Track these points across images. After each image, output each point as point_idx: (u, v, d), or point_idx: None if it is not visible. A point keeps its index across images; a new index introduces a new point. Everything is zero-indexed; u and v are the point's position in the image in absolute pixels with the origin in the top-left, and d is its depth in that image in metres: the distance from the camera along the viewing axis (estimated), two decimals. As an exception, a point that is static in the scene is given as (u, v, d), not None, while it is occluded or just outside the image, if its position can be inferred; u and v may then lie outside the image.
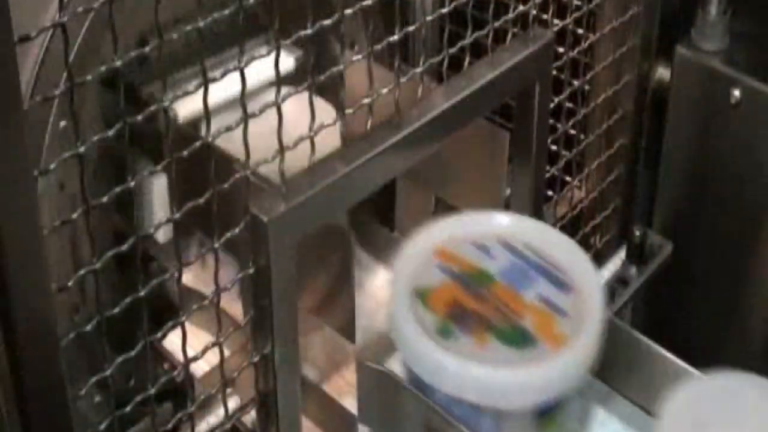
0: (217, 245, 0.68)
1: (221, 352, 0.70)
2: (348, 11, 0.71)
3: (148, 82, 0.82)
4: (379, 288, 1.00)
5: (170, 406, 0.78)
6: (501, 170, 0.89)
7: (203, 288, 0.86)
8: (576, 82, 1.02)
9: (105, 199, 0.59)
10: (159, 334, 0.68)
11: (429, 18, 0.84)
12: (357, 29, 0.98)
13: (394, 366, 0.85)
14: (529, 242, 0.86)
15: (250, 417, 0.78)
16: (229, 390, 0.75)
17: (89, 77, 0.56)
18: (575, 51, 1.01)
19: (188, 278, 0.87)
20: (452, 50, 0.81)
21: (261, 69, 0.67)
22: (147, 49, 0.59)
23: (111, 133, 0.59)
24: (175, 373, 0.70)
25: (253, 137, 0.67)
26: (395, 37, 0.75)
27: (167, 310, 0.72)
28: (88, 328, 0.60)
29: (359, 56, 0.74)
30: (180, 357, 0.69)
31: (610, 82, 1.09)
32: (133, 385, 0.85)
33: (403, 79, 0.76)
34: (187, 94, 0.64)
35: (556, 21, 0.98)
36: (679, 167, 1.16)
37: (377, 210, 1.01)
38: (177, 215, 0.64)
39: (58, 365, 0.56)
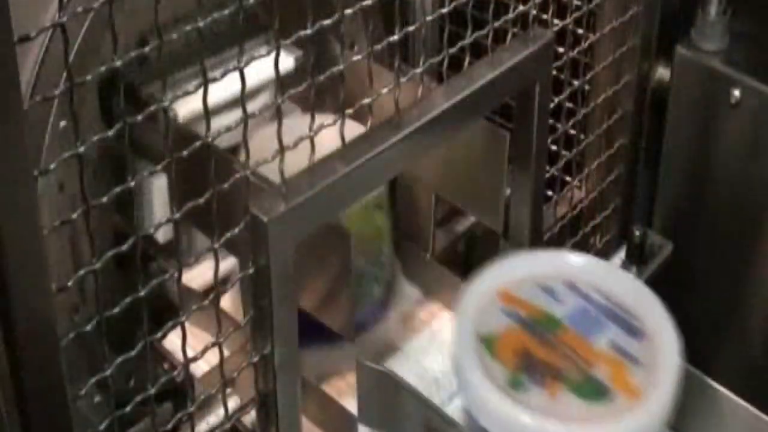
0: (217, 245, 0.68)
1: (221, 352, 0.70)
2: (348, 11, 0.71)
3: (148, 82, 0.82)
4: (409, 310, 1.00)
5: (170, 406, 0.78)
6: (501, 170, 0.89)
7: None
8: (576, 82, 1.02)
9: (105, 199, 0.59)
10: (159, 334, 0.68)
11: (429, 18, 0.84)
12: (357, 29, 0.98)
13: (454, 413, 0.83)
14: (596, 284, 0.82)
15: (250, 417, 0.78)
16: (229, 390, 0.75)
17: (89, 77, 0.56)
18: (575, 51, 1.01)
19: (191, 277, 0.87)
20: (452, 50, 0.81)
21: (261, 69, 0.67)
22: (147, 49, 0.59)
23: (111, 133, 0.59)
24: (175, 373, 0.70)
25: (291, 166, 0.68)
26: (395, 37, 0.75)
27: (167, 310, 0.72)
28: (88, 328, 0.60)
29: (359, 56, 0.74)
30: (180, 357, 0.69)
31: (610, 82, 1.09)
32: (133, 385, 0.85)
33: (403, 79, 0.76)
34: (187, 94, 0.64)
35: (556, 21, 0.98)
36: (679, 167, 1.16)
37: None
38: (177, 215, 0.64)
39: (58, 365, 0.56)
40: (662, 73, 1.12)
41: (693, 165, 1.15)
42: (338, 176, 0.72)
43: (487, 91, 0.82)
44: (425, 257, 1.00)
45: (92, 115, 0.83)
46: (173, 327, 0.68)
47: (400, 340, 0.96)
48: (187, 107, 0.78)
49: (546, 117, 0.92)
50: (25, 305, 0.53)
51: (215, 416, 0.77)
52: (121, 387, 0.67)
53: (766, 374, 0.85)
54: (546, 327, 0.79)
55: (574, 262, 0.84)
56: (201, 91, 0.63)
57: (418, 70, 0.78)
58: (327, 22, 0.69)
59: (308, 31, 0.68)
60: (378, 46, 0.75)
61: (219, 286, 0.70)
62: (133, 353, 0.65)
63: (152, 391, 0.67)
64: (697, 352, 1.08)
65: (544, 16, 0.97)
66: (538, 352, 0.77)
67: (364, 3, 0.73)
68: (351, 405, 0.84)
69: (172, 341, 0.74)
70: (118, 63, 0.57)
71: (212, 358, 0.72)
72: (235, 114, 0.67)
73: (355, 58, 0.74)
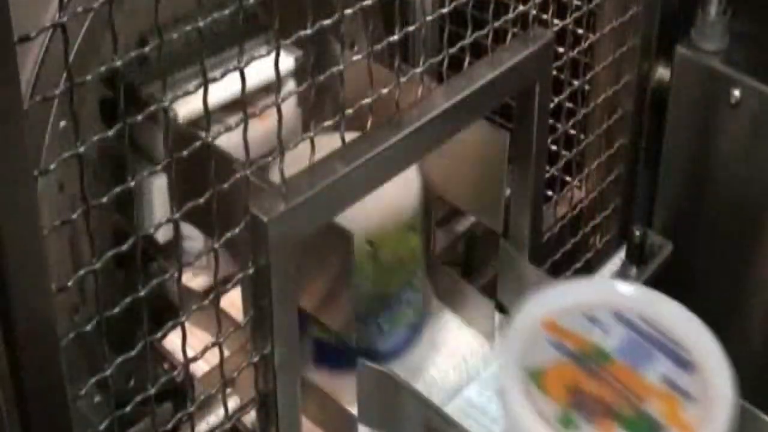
0: (217, 245, 0.68)
1: (221, 352, 0.70)
2: (348, 11, 0.71)
3: (148, 82, 0.82)
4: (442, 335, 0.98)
5: (170, 406, 0.78)
6: (501, 170, 0.89)
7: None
8: (576, 82, 1.02)
9: (105, 199, 0.59)
10: (159, 334, 0.68)
11: (429, 18, 0.84)
12: (357, 29, 0.98)
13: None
14: (643, 313, 0.79)
15: (250, 417, 0.78)
16: (229, 390, 0.75)
17: (89, 77, 0.56)
18: (575, 51, 1.01)
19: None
20: (452, 50, 0.81)
21: (261, 69, 0.67)
22: (147, 49, 0.59)
23: (111, 133, 0.59)
24: (175, 373, 0.70)
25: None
26: (395, 37, 0.75)
27: (167, 310, 0.72)
28: (88, 328, 0.60)
29: (359, 56, 0.74)
30: (180, 357, 0.69)
31: (610, 82, 1.09)
32: (133, 385, 0.85)
33: (403, 79, 0.76)
34: (187, 93, 0.64)
35: (556, 21, 0.98)
36: (679, 167, 1.16)
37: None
38: (177, 215, 0.64)
39: (58, 365, 0.56)
40: (662, 73, 1.12)
41: (693, 165, 1.15)
42: (338, 176, 0.72)
43: (487, 91, 0.82)
44: (459, 280, 0.98)
45: (92, 115, 0.83)
46: (173, 327, 0.68)
47: (433, 366, 0.94)
48: (187, 107, 0.78)
49: (546, 117, 0.92)
50: (25, 305, 0.53)
51: (215, 416, 0.77)
52: (121, 387, 0.67)
53: (766, 374, 0.85)
54: (595, 360, 0.76)
55: (619, 290, 0.81)
56: (201, 91, 0.63)
57: (418, 70, 0.78)
58: (327, 22, 0.69)
59: (308, 31, 0.68)
60: (378, 46, 0.75)
61: (219, 286, 0.70)
62: (133, 353, 0.65)
63: (152, 391, 0.67)
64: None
65: (544, 16, 0.97)
66: (588, 387, 0.74)
67: (364, 3, 0.73)
68: (351, 405, 0.84)
69: (172, 341, 0.74)
70: (118, 63, 0.57)
71: (212, 358, 0.72)
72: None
73: (355, 58, 0.74)
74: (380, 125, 0.76)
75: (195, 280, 0.87)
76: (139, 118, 0.60)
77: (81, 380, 0.62)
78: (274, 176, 0.70)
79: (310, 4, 0.66)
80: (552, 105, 0.95)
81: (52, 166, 0.55)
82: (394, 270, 0.90)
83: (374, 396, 0.83)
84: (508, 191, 0.92)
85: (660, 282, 1.14)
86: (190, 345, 0.68)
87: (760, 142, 1.08)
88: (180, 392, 0.76)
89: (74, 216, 0.57)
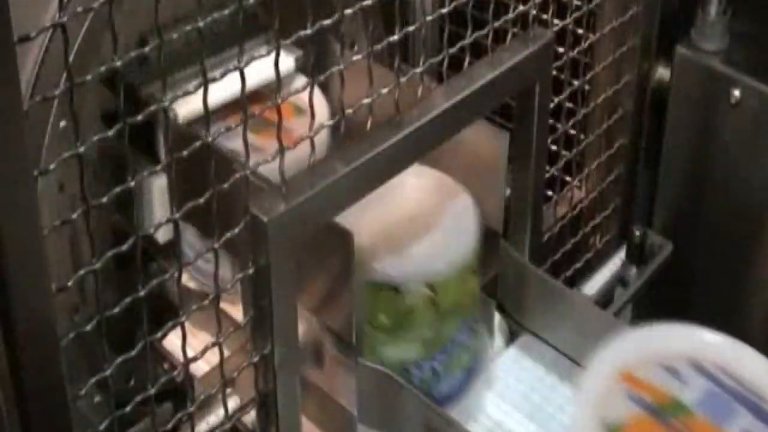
0: (217, 245, 0.68)
1: (221, 352, 0.70)
2: (348, 11, 0.71)
3: (148, 82, 0.82)
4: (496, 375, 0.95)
5: (170, 406, 0.78)
6: (501, 170, 0.89)
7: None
8: (576, 82, 1.02)
9: (105, 199, 0.59)
10: (159, 334, 0.68)
11: (429, 18, 0.84)
12: (357, 29, 0.98)
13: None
14: (723, 364, 0.77)
15: (250, 417, 0.78)
16: (229, 390, 0.75)
17: (89, 77, 0.56)
18: (575, 51, 1.01)
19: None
20: (452, 50, 0.81)
21: (261, 69, 0.67)
22: (147, 49, 0.59)
23: (111, 133, 0.59)
24: (175, 373, 0.70)
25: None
26: (395, 37, 0.75)
27: (167, 310, 0.72)
28: (88, 328, 0.60)
29: (359, 56, 0.74)
30: (180, 357, 0.69)
31: (610, 82, 1.09)
32: (133, 385, 0.85)
33: (403, 79, 0.76)
34: (187, 94, 0.64)
35: (556, 21, 0.98)
36: (679, 167, 1.16)
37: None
38: (177, 215, 0.64)
39: (58, 365, 0.56)
40: (662, 73, 1.12)
41: (693, 165, 1.15)
42: (338, 176, 0.72)
43: (487, 91, 0.82)
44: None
45: (92, 115, 0.83)
46: (173, 327, 0.68)
47: (488, 408, 0.93)
48: (187, 107, 0.78)
49: (546, 117, 0.92)
50: (25, 305, 0.53)
51: (215, 416, 0.77)
52: (121, 387, 0.67)
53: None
54: (674, 414, 0.74)
55: (697, 338, 0.79)
56: (201, 91, 0.63)
57: (418, 70, 0.78)
58: (327, 22, 0.69)
59: (308, 31, 0.68)
60: (378, 46, 0.75)
61: (219, 286, 0.70)
62: (133, 353, 0.65)
63: (152, 391, 0.67)
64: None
65: (544, 16, 0.97)
66: None
67: (364, 3, 0.73)
68: (351, 405, 0.84)
69: (172, 341, 0.74)
70: (118, 63, 0.57)
71: (212, 358, 0.72)
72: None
73: (355, 58, 0.74)
74: (380, 125, 0.76)
75: (194, 280, 0.87)
76: (139, 117, 0.60)
77: (81, 380, 0.62)
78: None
79: (310, 4, 0.66)
80: (552, 105, 0.95)
81: (52, 166, 0.55)
82: (452, 314, 0.87)
83: (374, 396, 0.83)
84: (508, 191, 0.92)
85: (660, 282, 1.14)
86: (190, 345, 0.68)
87: (760, 142, 1.08)
88: (180, 392, 0.76)
89: (74, 216, 0.57)
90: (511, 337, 0.98)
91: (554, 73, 0.92)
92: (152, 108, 0.62)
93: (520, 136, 0.90)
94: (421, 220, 0.87)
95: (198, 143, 0.64)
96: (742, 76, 1.06)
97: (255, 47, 0.85)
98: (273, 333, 0.70)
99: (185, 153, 0.64)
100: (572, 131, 1.05)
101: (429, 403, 0.82)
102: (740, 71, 1.07)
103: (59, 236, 0.81)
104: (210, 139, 0.65)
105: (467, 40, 0.82)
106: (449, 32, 0.81)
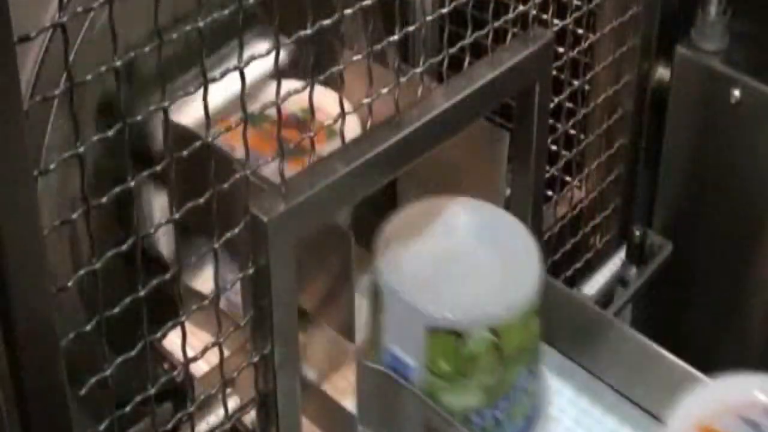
0: (217, 245, 0.68)
1: (221, 352, 0.70)
2: (348, 11, 0.71)
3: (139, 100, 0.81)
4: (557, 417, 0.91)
5: (170, 406, 0.78)
6: (501, 170, 0.89)
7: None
8: (576, 82, 1.02)
9: (105, 199, 0.59)
10: (159, 334, 0.68)
11: (429, 18, 0.84)
12: (357, 29, 0.98)
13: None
14: None
15: (250, 417, 0.78)
16: (229, 390, 0.75)
17: (89, 77, 0.56)
18: (575, 51, 1.01)
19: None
20: (452, 50, 0.81)
21: (256, 64, 0.67)
22: (147, 49, 0.59)
23: (111, 133, 0.59)
24: (175, 373, 0.70)
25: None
26: (395, 37, 0.75)
27: (167, 310, 0.72)
28: (88, 328, 0.60)
29: (359, 56, 0.74)
30: (180, 357, 0.68)
31: (610, 82, 1.09)
32: (133, 385, 0.85)
33: (403, 79, 0.76)
34: (187, 94, 0.64)
35: (556, 21, 0.98)
36: (679, 167, 1.16)
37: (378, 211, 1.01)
38: (177, 215, 0.64)
39: (58, 365, 0.56)
40: (662, 73, 1.12)
41: (693, 165, 1.15)
42: (338, 176, 0.72)
43: (487, 91, 0.82)
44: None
45: (92, 115, 0.83)
46: (173, 327, 0.68)
47: None
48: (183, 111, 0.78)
49: (546, 117, 0.91)
50: (25, 305, 0.53)
51: (215, 416, 0.77)
52: (121, 387, 0.67)
53: (767, 374, 0.85)
54: None
55: None
56: (200, 95, 0.63)
57: (418, 70, 0.78)
58: (327, 22, 0.69)
59: (308, 31, 0.68)
60: (378, 46, 0.75)
61: (219, 286, 0.70)
62: (133, 353, 0.65)
63: (152, 391, 0.67)
64: (698, 351, 1.09)
65: (544, 16, 0.97)
66: None
67: (364, 3, 0.73)
68: (351, 405, 0.84)
69: (172, 341, 0.74)
70: (118, 63, 0.57)
71: (212, 358, 0.72)
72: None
73: (355, 58, 0.74)
74: (380, 125, 0.76)
75: (194, 280, 0.87)
76: (139, 118, 0.60)
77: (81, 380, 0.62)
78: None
79: (310, 4, 0.66)
80: (552, 105, 0.95)
81: (52, 166, 0.55)
82: (515, 359, 0.84)
83: (374, 396, 0.83)
84: (508, 191, 0.92)
85: (660, 282, 1.14)
86: (190, 345, 0.68)
87: (760, 142, 1.08)
88: (180, 392, 0.76)
89: (74, 216, 0.57)
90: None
91: (554, 73, 0.92)
92: (152, 108, 0.62)
93: (520, 136, 0.90)
94: (480, 259, 0.85)
95: (198, 143, 0.64)
96: (742, 76, 1.06)
97: (250, 39, 0.84)
98: (273, 333, 0.70)
99: (185, 153, 0.64)
100: (572, 131, 1.06)
101: (429, 403, 0.82)
102: (740, 71, 1.07)
103: (59, 236, 0.81)
104: (210, 139, 0.65)
105: (467, 40, 0.82)
106: (449, 32, 0.81)
